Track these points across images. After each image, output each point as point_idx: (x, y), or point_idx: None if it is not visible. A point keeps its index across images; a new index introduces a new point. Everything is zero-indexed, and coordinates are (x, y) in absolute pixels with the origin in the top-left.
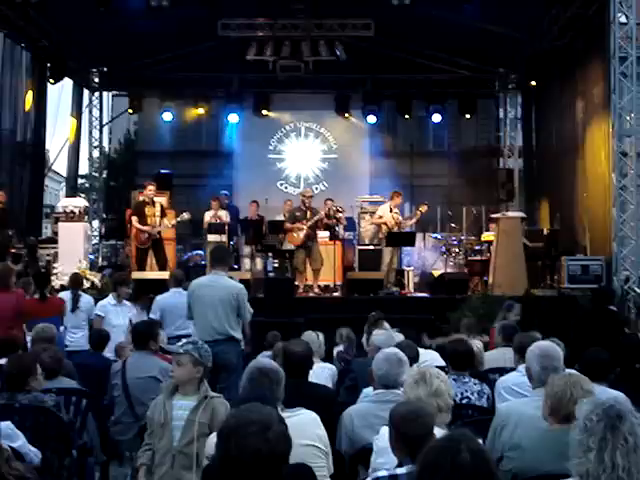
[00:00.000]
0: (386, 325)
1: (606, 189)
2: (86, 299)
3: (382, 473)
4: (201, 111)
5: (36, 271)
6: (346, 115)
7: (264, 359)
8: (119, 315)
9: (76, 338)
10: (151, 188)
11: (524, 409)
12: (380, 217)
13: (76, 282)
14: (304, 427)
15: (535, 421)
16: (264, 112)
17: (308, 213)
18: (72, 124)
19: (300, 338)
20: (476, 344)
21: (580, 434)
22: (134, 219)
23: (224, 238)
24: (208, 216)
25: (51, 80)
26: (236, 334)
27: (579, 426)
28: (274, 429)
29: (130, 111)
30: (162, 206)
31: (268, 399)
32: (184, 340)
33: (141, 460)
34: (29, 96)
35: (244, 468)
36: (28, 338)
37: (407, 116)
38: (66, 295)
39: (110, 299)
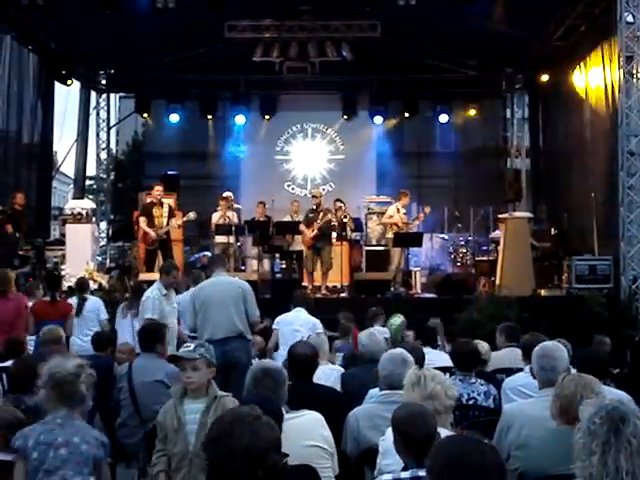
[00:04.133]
0: (379, 325)
1: (613, 189)
2: (91, 303)
3: (386, 477)
4: (208, 113)
5: (48, 273)
6: (353, 116)
7: (267, 360)
8: None
9: (84, 343)
10: (159, 189)
11: (530, 410)
12: (390, 217)
13: (82, 287)
14: (309, 428)
15: (542, 421)
16: (271, 113)
17: (321, 214)
18: None
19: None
20: (483, 345)
21: (583, 437)
22: (141, 220)
23: (232, 239)
24: (216, 217)
25: (69, 82)
26: (245, 331)
27: (582, 429)
28: (260, 420)
29: (145, 115)
30: (170, 207)
31: (272, 400)
32: (191, 345)
33: (158, 467)
34: None
35: (238, 463)
36: (31, 342)
37: (414, 116)
38: (73, 301)
39: None
